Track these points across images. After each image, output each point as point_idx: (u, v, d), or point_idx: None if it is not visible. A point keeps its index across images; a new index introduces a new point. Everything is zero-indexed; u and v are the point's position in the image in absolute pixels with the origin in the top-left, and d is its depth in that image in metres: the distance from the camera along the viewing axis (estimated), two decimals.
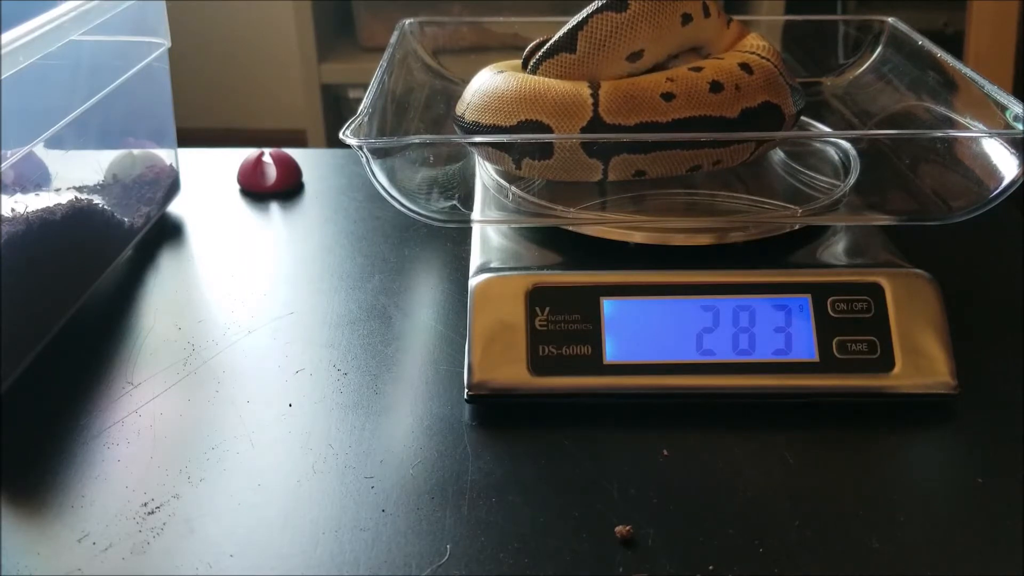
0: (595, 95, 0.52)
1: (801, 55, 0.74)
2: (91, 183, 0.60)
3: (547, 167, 0.53)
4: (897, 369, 0.48)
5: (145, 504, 0.43)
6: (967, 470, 0.45)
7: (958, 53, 1.42)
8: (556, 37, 0.54)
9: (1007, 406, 0.49)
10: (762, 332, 0.49)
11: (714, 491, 0.44)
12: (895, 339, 0.48)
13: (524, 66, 0.57)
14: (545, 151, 0.52)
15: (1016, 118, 0.51)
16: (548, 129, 0.52)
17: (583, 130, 0.51)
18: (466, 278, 0.51)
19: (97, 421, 0.48)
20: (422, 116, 0.65)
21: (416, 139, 0.54)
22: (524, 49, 0.57)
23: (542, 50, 0.55)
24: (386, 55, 0.62)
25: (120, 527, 0.42)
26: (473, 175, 0.60)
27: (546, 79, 0.53)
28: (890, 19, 0.70)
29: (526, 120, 0.52)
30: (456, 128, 0.57)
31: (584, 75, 0.53)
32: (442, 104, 0.68)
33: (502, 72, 0.56)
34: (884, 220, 0.53)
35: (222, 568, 0.40)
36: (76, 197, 0.57)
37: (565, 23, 0.54)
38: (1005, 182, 0.49)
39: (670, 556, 0.40)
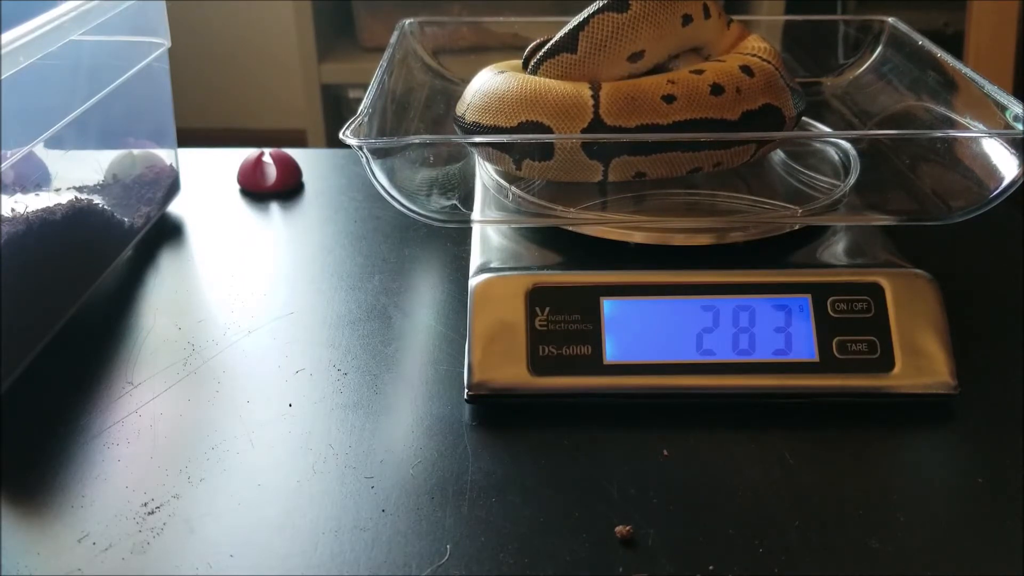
0: (596, 96, 0.51)
1: (801, 55, 0.74)
2: (91, 183, 0.60)
3: (547, 168, 0.53)
4: (897, 369, 0.48)
5: (145, 504, 0.43)
6: (967, 470, 0.45)
7: (958, 53, 1.42)
8: (557, 37, 0.54)
9: (1007, 406, 0.49)
10: (762, 332, 0.49)
11: (714, 491, 0.44)
12: (895, 339, 0.48)
13: (524, 66, 0.57)
14: (545, 152, 0.52)
15: (1016, 118, 0.51)
16: (548, 130, 0.52)
17: (584, 131, 0.51)
18: (466, 278, 0.51)
19: (97, 421, 0.48)
20: (422, 116, 0.65)
21: (416, 139, 0.54)
22: (524, 49, 0.57)
23: (543, 50, 0.55)
24: (386, 55, 0.62)
25: (120, 527, 0.42)
26: (473, 175, 0.60)
27: (547, 80, 0.53)
28: (890, 19, 0.70)
29: (527, 121, 0.52)
30: (456, 128, 0.57)
31: (585, 75, 0.53)
32: (442, 104, 0.68)
33: (502, 72, 0.56)
34: (884, 220, 0.53)
35: (222, 568, 0.40)
36: (76, 197, 0.57)
37: (565, 23, 0.54)
38: (1005, 182, 0.49)
39: (670, 556, 0.40)
